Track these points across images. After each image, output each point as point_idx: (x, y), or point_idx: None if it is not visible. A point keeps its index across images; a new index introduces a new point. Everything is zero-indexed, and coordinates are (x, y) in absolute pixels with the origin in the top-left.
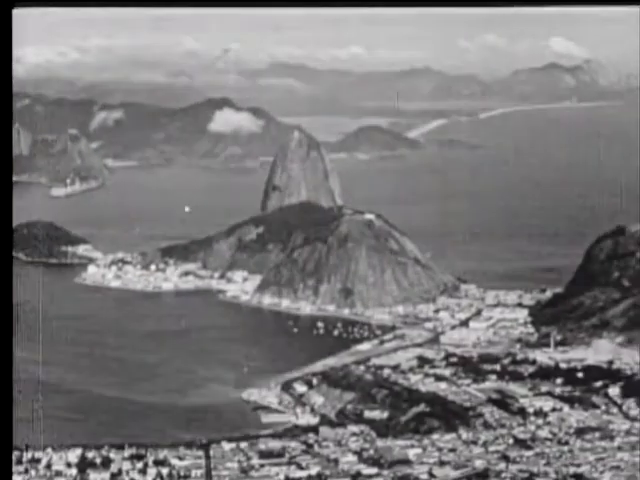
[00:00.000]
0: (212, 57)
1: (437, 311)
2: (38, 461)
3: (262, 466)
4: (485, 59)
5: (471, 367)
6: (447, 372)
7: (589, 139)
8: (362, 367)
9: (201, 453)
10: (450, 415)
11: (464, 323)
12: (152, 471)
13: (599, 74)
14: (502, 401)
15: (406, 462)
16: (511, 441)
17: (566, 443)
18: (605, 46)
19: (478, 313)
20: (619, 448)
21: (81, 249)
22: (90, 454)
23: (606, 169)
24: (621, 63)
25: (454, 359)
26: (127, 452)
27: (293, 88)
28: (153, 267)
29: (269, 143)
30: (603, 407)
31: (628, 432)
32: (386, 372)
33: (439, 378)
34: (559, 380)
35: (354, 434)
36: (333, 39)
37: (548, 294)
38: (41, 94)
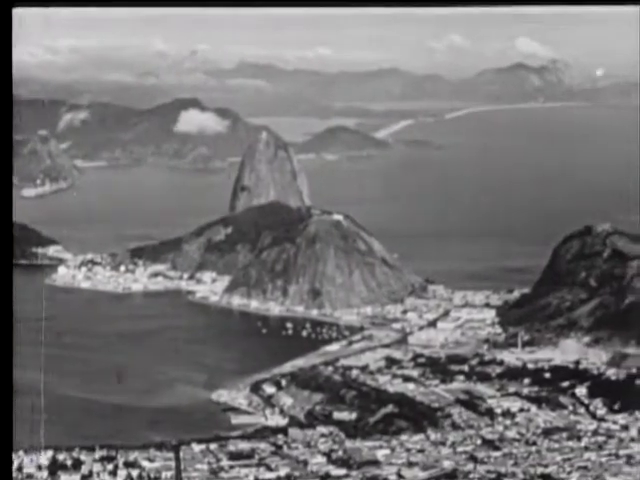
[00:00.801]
0: (180, 57)
1: (405, 312)
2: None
3: (232, 467)
4: (452, 59)
5: (439, 368)
6: (415, 373)
7: (556, 139)
8: (331, 368)
9: (171, 455)
10: (418, 416)
11: (432, 324)
12: (122, 472)
13: (565, 74)
14: (470, 402)
15: (375, 463)
16: (479, 442)
17: (534, 443)
18: (571, 46)
19: (446, 314)
20: (586, 448)
21: (51, 250)
22: (61, 456)
23: (573, 169)
24: (587, 64)
25: (422, 360)
26: (98, 454)
27: (261, 88)
28: (123, 268)
29: (237, 144)
30: (570, 407)
31: (595, 432)
32: (354, 373)
33: (407, 379)
34: (526, 380)
35: (323, 435)
36: (300, 39)
37: (516, 294)
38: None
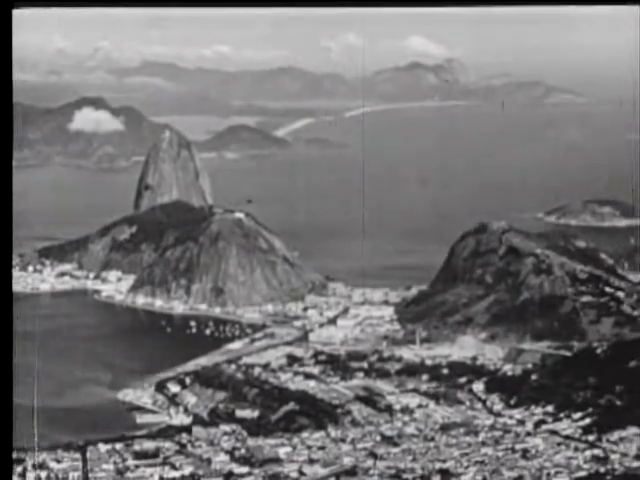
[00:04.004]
0: (82, 56)
1: (306, 309)
2: None
3: (137, 467)
4: (348, 58)
5: (339, 365)
6: (316, 370)
7: (452, 138)
8: (233, 366)
9: (78, 455)
10: (319, 413)
11: (332, 321)
12: (31, 475)
13: (461, 73)
14: (370, 398)
15: (277, 460)
16: (378, 438)
17: (432, 439)
18: (466, 46)
19: (345, 311)
20: (483, 443)
21: None
22: None
23: (468, 167)
24: (481, 63)
25: (322, 357)
26: None
27: (162, 87)
28: (31, 268)
29: (141, 142)
30: (467, 403)
31: (492, 427)
32: (257, 371)
33: (308, 376)
34: (425, 377)
35: (226, 433)
36: (199, 38)
37: (413, 291)
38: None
